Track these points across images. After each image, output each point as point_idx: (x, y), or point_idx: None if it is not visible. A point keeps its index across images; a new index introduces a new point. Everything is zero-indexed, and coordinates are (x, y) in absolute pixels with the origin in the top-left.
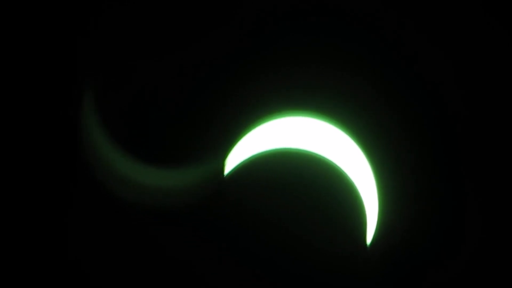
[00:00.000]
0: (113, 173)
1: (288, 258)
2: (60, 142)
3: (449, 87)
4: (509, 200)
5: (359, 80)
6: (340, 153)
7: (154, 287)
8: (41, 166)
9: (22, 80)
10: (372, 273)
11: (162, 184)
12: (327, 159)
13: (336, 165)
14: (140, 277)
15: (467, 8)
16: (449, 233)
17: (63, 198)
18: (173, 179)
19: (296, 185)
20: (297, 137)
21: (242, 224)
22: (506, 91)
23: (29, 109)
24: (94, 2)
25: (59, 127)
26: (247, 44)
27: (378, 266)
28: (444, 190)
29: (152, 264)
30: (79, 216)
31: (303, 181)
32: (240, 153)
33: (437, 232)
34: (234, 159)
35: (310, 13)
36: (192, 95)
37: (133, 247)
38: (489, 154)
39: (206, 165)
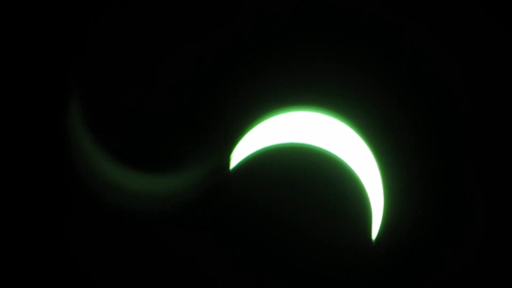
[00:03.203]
0: (104, 180)
1: (293, 253)
2: (51, 149)
3: (455, 84)
4: None
5: (365, 77)
6: (346, 149)
7: None
8: (32, 174)
9: (15, 85)
10: (377, 268)
11: (158, 189)
12: (333, 154)
13: (342, 160)
14: (136, 282)
15: (474, 6)
16: (453, 228)
17: (54, 206)
18: (170, 184)
19: (301, 180)
20: (302, 132)
21: (247, 219)
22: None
23: (18, 115)
24: (92, 3)
25: (49, 133)
26: (254, 38)
27: (383, 261)
28: (449, 185)
29: (150, 267)
30: (71, 225)
31: (308, 176)
32: (245, 148)
33: (442, 227)
34: (240, 153)
35: (317, 10)
36: (198, 90)
37: (128, 254)
38: (494, 151)
39: (209, 162)
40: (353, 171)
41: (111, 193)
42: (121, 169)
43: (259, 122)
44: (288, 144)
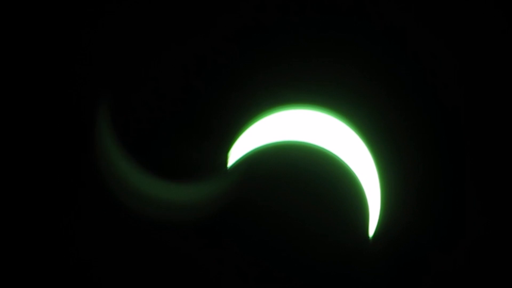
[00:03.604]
0: (123, 184)
1: (290, 251)
2: (71, 150)
3: (455, 83)
4: (510, 195)
5: (362, 74)
6: (342, 146)
7: None
8: (51, 174)
9: (29, 86)
10: (374, 265)
11: (167, 197)
12: (330, 152)
13: (339, 158)
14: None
15: (475, 6)
16: (450, 225)
17: (71, 206)
18: (178, 193)
19: (299, 178)
20: (300, 130)
21: (244, 217)
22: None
23: (39, 117)
24: (93, 6)
25: (70, 135)
26: (252, 37)
27: (380, 258)
28: (446, 182)
29: (156, 269)
30: (86, 226)
31: (306, 174)
32: (243, 146)
33: (439, 224)
34: (237, 152)
35: (316, 9)
36: (194, 89)
37: (139, 257)
38: (493, 151)
39: (207, 162)
40: (350, 169)
41: (128, 197)
42: (138, 174)
43: (256, 121)
44: (285, 142)
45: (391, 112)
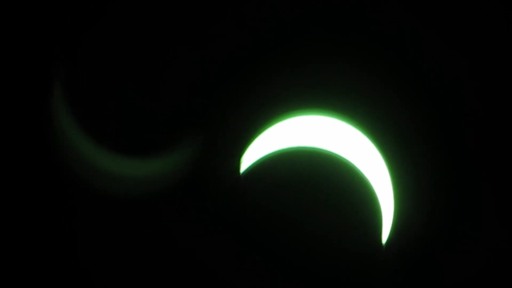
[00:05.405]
0: (92, 165)
1: (303, 257)
2: (36, 138)
3: (466, 86)
4: None
5: (374, 79)
6: (356, 152)
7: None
8: (14, 162)
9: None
10: (387, 272)
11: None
12: (343, 158)
13: (352, 164)
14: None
15: (480, 6)
16: (464, 232)
17: (40, 194)
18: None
19: (311, 183)
20: (312, 135)
21: (257, 222)
22: None
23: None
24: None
25: (34, 121)
26: (263, 42)
27: (394, 265)
28: (460, 189)
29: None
30: (59, 212)
31: (318, 179)
32: (255, 152)
33: (453, 231)
34: (250, 158)
35: (327, 11)
36: (208, 93)
37: (127, 243)
38: (506, 153)
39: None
40: (364, 175)
41: (100, 178)
42: (111, 154)
43: (269, 126)
44: (297, 148)
45: (405, 117)
